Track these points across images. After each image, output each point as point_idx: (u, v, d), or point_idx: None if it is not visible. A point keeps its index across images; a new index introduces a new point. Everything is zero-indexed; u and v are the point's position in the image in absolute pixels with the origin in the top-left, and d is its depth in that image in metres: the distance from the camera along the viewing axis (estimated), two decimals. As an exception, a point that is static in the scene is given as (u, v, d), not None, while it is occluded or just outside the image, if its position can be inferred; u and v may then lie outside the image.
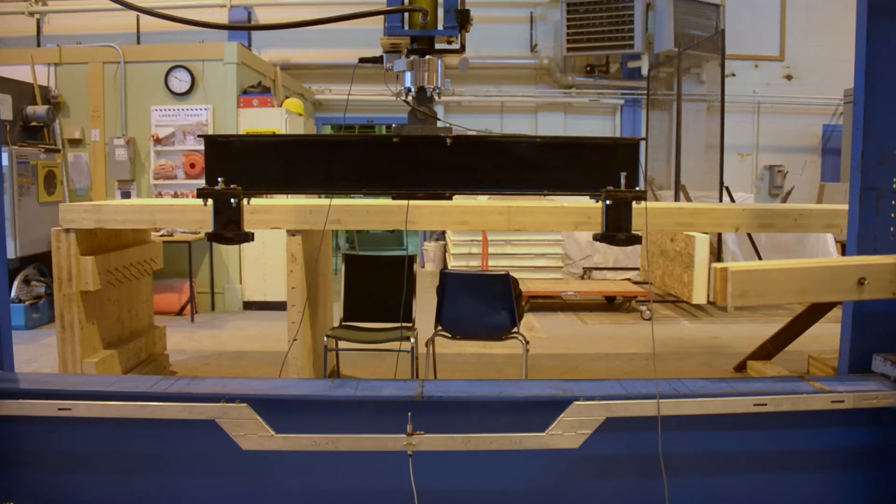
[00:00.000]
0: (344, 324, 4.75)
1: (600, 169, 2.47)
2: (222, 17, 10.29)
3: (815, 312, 4.95)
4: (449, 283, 4.51)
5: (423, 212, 4.59)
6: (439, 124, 2.56)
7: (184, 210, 4.64)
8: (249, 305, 8.02)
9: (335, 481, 2.78)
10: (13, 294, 6.71)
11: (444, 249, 10.40)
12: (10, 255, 6.52)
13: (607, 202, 2.43)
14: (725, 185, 8.32)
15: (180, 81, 7.84)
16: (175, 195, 7.76)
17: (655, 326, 7.07)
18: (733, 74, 10.57)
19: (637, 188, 2.45)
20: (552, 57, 10.61)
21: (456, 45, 2.58)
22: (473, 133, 2.58)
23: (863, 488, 2.85)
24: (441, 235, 10.68)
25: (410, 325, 4.55)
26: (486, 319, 4.42)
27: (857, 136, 2.99)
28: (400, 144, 2.45)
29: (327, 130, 11.24)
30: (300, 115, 8.46)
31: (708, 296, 5.38)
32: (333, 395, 2.72)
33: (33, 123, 7.59)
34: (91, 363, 4.53)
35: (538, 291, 7.73)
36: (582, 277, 9.20)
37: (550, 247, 8.86)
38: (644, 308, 7.64)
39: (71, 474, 2.78)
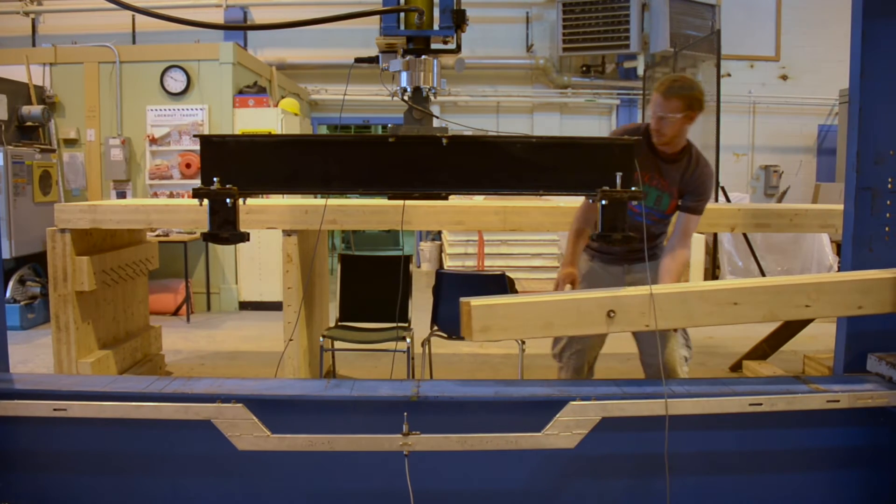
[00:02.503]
0: (340, 324, 4.75)
1: (596, 169, 2.47)
2: (218, 16, 10.27)
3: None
4: (445, 283, 4.51)
5: (419, 212, 4.59)
6: (436, 123, 2.56)
7: (179, 210, 4.64)
8: (245, 306, 8.01)
9: (331, 481, 2.78)
10: (8, 294, 6.70)
11: (440, 249, 10.40)
12: (6, 255, 6.51)
13: (603, 202, 2.43)
14: (721, 185, 8.34)
15: (176, 81, 7.83)
16: (171, 195, 7.75)
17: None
18: (729, 75, 10.59)
19: (633, 188, 2.45)
20: (548, 57, 10.62)
21: (452, 45, 2.58)
22: (469, 133, 2.58)
23: (858, 487, 2.86)
24: (437, 235, 10.68)
25: (406, 325, 4.54)
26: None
27: (853, 136, 3.00)
28: (396, 144, 2.45)
29: (323, 130, 11.24)
30: (296, 115, 8.45)
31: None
32: (329, 395, 2.72)
33: (28, 123, 7.57)
34: (86, 363, 4.52)
35: (533, 291, 7.72)
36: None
37: (546, 247, 8.86)
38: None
39: (66, 475, 2.77)
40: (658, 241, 3.45)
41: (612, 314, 2.68)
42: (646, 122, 3.31)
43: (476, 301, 2.66)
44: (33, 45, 10.09)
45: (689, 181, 3.26)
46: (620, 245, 2.48)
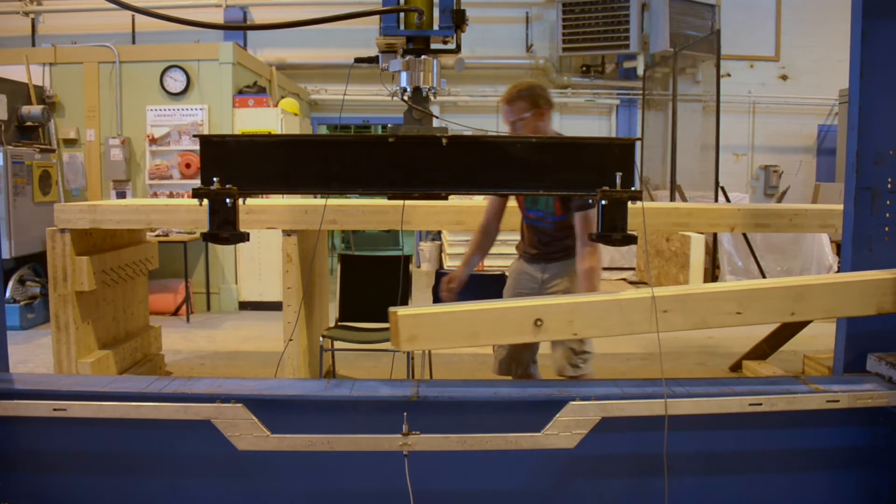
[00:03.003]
0: (340, 324, 4.74)
1: (596, 169, 2.47)
2: (218, 16, 10.27)
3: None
4: (445, 283, 4.51)
5: (419, 212, 4.59)
6: (435, 123, 2.56)
7: (179, 210, 4.63)
8: (245, 306, 8.01)
9: (331, 482, 2.78)
10: (8, 294, 6.70)
11: (440, 249, 10.40)
12: (5, 255, 6.51)
13: (603, 202, 2.43)
14: (721, 185, 8.35)
15: (176, 81, 7.83)
16: (170, 195, 7.75)
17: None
18: (728, 75, 10.59)
19: (633, 188, 2.45)
20: (548, 57, 10.63)
21: (452, 46, 2.58)
22: (469, 133, 2.58)
23: (857, 487, 2.86)
24: (437, 235, 10.68)
25: (406, 325, 4.53)
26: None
27: (852, 136, 3.00)
28: (396, 144, 2.45)
29: (323, 130, 11.24)
30: (296, 115, 8.45)
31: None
32: (329, 395, 2.72)
33: (28, 123, 7.57)
34: (86, 363, 4.52)
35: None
36: (578, 277, 9.20)
37: (546, 247, 8.85)
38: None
39: (66, 475, 2.77)
40: (567, 241, 3.42)
41: (538, 322, 2.66)
42: None
43: (403, 311, 2.67)
44: (33, 45, 10.09)
45: None
46: (620, 245, 2.48)
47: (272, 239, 6.41)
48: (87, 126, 7.98)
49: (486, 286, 4.47)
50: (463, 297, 4.49)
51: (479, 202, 5.32)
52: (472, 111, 10.73)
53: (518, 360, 3.60)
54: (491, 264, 8.64)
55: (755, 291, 2.78)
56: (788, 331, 5.16)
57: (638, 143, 2.78)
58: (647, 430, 2.66)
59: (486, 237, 3.53)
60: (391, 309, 2.69)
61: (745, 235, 8.02)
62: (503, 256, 8.79)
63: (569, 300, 2.76)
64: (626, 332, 2.79)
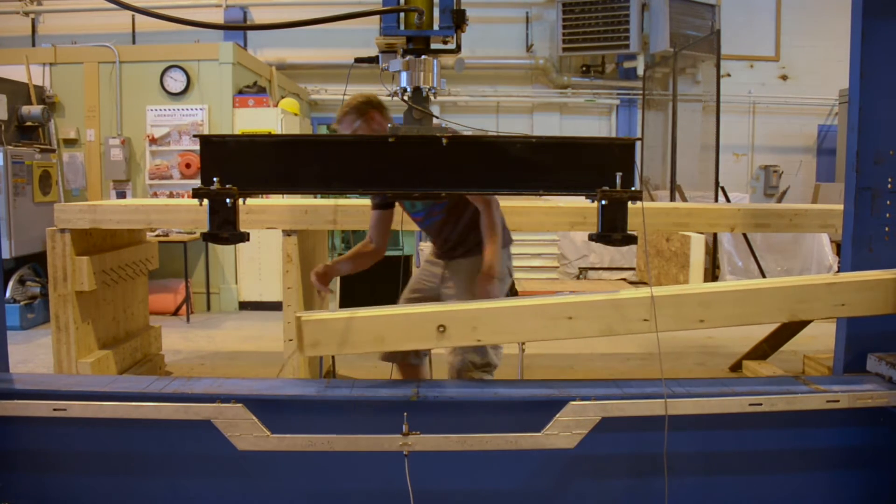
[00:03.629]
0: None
1: (596, 169, 2.46)
2: (218, 16, 10.26)
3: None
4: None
5: (419, 212, 4.58)
6: (436, 123, 2.56)
7: (179, 210, 4.63)
8: (245, 306, 8.01)
9: (331, 482, 2.78)
10: (8, 294, 6.70)
11: (441, 249, 10.39)
12: (6, 255, 6.51)
13: (603, 202, 2.42)
14: (721, 185, 8.34)
15: (176, 81, 7.83)
16: (170, 195, 7.75)
17: (651, 326, 7.06)
18: (728, 75, 10.59)
19: (633, 188, 2.45)
20: (548, 57, 10.62)
21: (452, 46, 2.58)
22: (469, 133, 2.58)
23: (857, 488, 2.86)
24: (437, 235, 10.68)
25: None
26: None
27: (852, 136, 3.00)
28: (395, 144, 2.45)
29: (323, 130, 11.23)
30: (296, 115, 8.45)
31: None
32: (329, 395, 2.72)
33: (28, 123, 7.57)
34: (86, 363, 4.52)
35: (534, 291, 7.72)
36: (578, 277, 9.21)
37: (546, 247, 8.86)
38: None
39: (66, 475, 2.77)
40: (470, 236, 3.42)
41: (442, 329, 2.67)
42: None
43: (307, 316, 2.68)
44: (33, 45, 10.08)
45: None
46: (620, 245, 2.48)
47: (272, 239, 6.42)
48: (87, 126, 7.98)
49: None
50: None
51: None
52: (472, 111, 10.73)
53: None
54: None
55: (663, 298, 2.78)
56: (788, 331, 5.16)
57: (638, 143, 2.78)
58: (647, 430, 2.67)
59: (369, 251, 3.48)
60: (297, 313, 2.71)
61: (745, 235, 8.02)
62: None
63: (472, 307, 2.77)
64: (530, 339, 2.81)
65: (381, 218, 3.49)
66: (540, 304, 2.77)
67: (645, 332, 2.76)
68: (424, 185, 2.55)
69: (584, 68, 10.83)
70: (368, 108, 3.24)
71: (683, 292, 2.86)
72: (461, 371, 3.36)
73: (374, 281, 4.74)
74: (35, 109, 7.56)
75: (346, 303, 4.81)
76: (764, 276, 7.82)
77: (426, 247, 10.55)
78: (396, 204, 3.49)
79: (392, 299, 4.40)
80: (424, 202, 3.39)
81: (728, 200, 8.32)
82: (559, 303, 2.75)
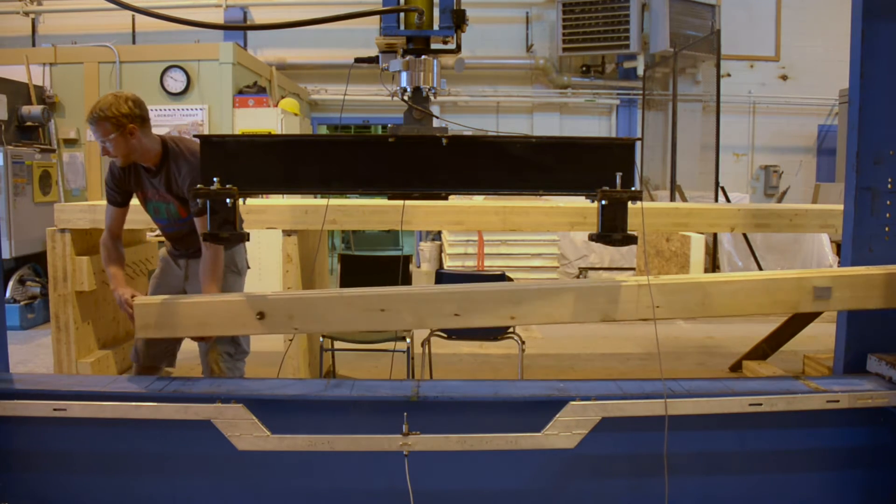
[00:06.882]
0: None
1: (596, 169, 2.47)
2: (218, 17, 10.26)
3: (810, 313, 4.96)
4: (445, 283, 4.51)
5: (419, 212, 4.59)
6: (436, 123, 2.56)
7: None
8: (245, 306, 7.99)
9: (331, 481, 2.78)
10: (8, 294, 6.69)
11: (440, 249, 10.39)
12: (6, 255, 6.51)
13: (603, 202, 2.42)
14: (721, 185, 8.35)
15: (176, 81, 7.83)
16: (171, 195, 7.73)
17: (651, 326, 7.07)
18: (728, 75, 10.59)
19: (633, 188, 2.45)
20: (548, 57, 10.62)
21: (452, 46, 2.58)
22: (469, 133, 2.58)
23: (857, 488, 2.86)
24: (437, 235, 10.68)
25: (406, 325, 4.54)
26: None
27: (852, 136, 3.00)
28: (396, 144, 2.45)
29: (323, 130, 11.23)
30: (296, 115, 8.45)
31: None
32: (329, 395, 2.72)
33: (28, 123, 7.57)
34: (86, 363, 4.53)
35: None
36: (578, 277, 9.21)
37: (546, 247, 8.86)
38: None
39: (66, 475, 2.77)
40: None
41: (260, 316, 2.72)
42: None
43: (140, 300, 2.82)
44: (33, 45, 10.08)
45: (182, 188, 3.19)
46: (620, 245, 2.48)
47: (272, 239, 6.41)
48: (87, 126, 7.97)
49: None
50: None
51: (480, 202, 5.33)
52: (472, 111, 10.73)
53: (150, 352, 3.48)
54: (491, 264, 8.64)
55: (471, 294, 2.81)
56: (788, 331, 5.16)
57: (638, 144, 2.78)
58: (647, 430, 2.67)
59: (117, 249, 3.41)
60: (134, 299, 2.85)
61: (745, 235, 8.03)
62: (504, 256, 8.81)
63: (289, 296, 2.84)
64: (346, 329, 2.89)
65: (120, 213, 3.41)
66: (353, 295, 2.82)
67: (460, 326, 2.92)
68: (424, 184, 2.55)
69: (584, 68, 10.83)
70: (132, 121, 3.06)
71: (491, 289, 2.89)
72: (216, 362, 3.42)
73: (375, 282, 4.73)
74: (35, 109, 7.55)
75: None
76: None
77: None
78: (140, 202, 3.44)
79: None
80: (168, 212, 3.34)
81: (728, 200, 8.32)
82: (372, 295, 2.80)
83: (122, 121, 3.03)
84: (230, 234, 2.44)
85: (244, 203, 2.57)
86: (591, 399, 2.62)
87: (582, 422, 2.60)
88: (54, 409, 2.58)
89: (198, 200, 3.07)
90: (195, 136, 2.66)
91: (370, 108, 10.50)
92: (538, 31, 10.73)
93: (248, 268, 3.68)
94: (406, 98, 2.54)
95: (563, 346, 6.22)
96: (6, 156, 6.58)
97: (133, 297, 2.98)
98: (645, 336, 6.50)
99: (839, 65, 4.66)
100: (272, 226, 4.54)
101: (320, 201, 4.67)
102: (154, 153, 3.19)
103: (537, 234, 8.65)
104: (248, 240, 2.62)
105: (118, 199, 3.32)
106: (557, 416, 2.59)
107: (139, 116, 3.10)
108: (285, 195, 5.50)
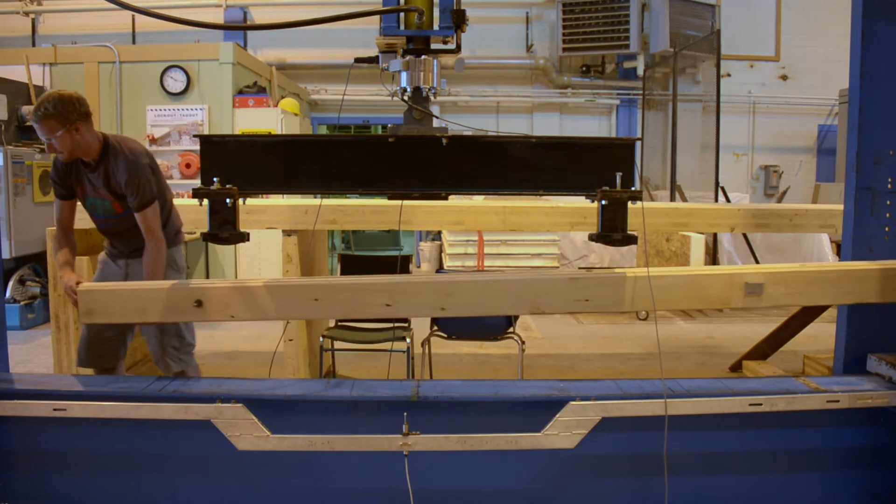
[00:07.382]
0: (339, 324, 4.74)
1: (596, 169, 2.47)
2: (218, 17, 10.27)
3: (810, 313, 4.96)
4: (445, 283, 4.51)
5: (419, 212, 4.59)
6: (436, 123, 2.56)
7: (179, 210, 4.63)
8: (245, 305, 7.99)
9: (331, 481, 2.78)
10: (8, 294, 6.69)
11: (440, 249, 10.39)
12: (6, 255, 6.51)
13: (603, 202, 2.43)
14: (721, 185, 8.34)
15: (176, 81, 7.83)
16: (170, 195, 7.73)
17: (651, 326, 7.07)
18: (728, 75, 10.60)
19: (633, 188, 2.45)
20: (548, 57, 10.63)
21: (452, 46, 2.58)
22: (469, 133, 2.59)
23: (857, 488, 2.86)
24: (437, 235, 10.68)
25: (406, 325, 4.54)
26: (482, 319, 4.42)
27: (852, 136, 3.00)
28: (396, 144, 2.45)
29: (323, 130, 11.23)
30: (296, 115, 8.45)
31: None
32: (329, 395, 2.72)
33: (28, 123, 7.56)
34: (86, 363, 4.52)
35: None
36: (578, 277, 9.19)
37: (546, 247, 8.86)
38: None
39: (66, 475, 2.77)
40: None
41: (198, 303, 2.76)
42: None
43: (84, 286, 2.87)
44: (33, 45, 10.09)
45: (119, 184, 3.25)
46: (620, 245, 2.49)
47: (272, 239, 6.41)
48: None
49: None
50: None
51: (480, 202, 5.33)
52: (472, 111, 10.73)
53: (94, 353, 3.51)
54: (491, 264, 8.65)
55: (403, 285, 2.86)
56: (788, 331, 5.16)
57: (638, 143, 2.78)
58: (647, 430, 2.67)
59: (68, 238, 3.44)
60: (79, 285, 2.89)
61: (745, 235, 8.02)
62: (504, 256, 8.81)
63: (226, 285, 2.86)
64: (279, 317, 2.95)
65: (67, 206, 3.45)
66: (288, 284, 2.88)
67: (388, 316, 2.94)
68: (424, 184, 2.55)
69: (584, 68, 10.84)
70: (77, 118, 3.12)
71: (423, 281, 2.92)
72: (164, 356, 3.51)
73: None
74: (35, 109, 7.55)
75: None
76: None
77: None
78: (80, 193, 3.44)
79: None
80: (104, 209, 3.38)
81: (728, 200, 8.32)
82: (306, 284, 2.86)
83: (69, 117, 3.11)
84: (230, 234, 2.45)
85: (244, 203, 2.58)
86: (591, 399, 2.62)
87: (582, 422, 2.60)
88: (54, 409, 2.58)
89: (135, 196, 3.19)
90: (195, 135, 2.66)
91: (370, 108, 10.51)
92: (538, 31, 10.74)
93: (188, 268, 3.72)
94: (406, 98, 2.54)
95: (563, 346, 6.22)
96: (6, 156, 6.58)
97: (78, 283, 3.02)
98: (645, 336, 6.50)
99: (839, 65, 4.66)
100: (272, 226, 4.54)
101: (320, 201, 4.67)
102: (95, 149, 3.26)
103: (537, 234, 8.65)
104: (248, 240, 2.62)
105: (63, 192, 3.41)
106: (557, 416, 2.59)
107: (84, 113, 3.18)
108: (285, 195, 5.50)
